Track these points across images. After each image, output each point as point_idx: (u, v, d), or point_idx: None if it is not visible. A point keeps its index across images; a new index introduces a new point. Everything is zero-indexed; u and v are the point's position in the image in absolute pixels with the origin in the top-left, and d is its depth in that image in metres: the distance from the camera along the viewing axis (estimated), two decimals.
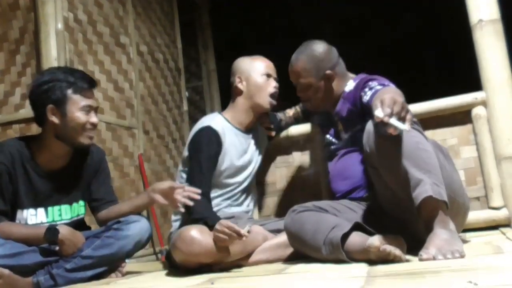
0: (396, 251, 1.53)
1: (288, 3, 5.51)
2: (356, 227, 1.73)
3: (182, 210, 2.05)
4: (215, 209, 2.22)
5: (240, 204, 2.35)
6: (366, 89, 1.95)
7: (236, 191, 2.32)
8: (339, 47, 2.17)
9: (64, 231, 1.95)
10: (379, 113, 1.51)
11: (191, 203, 2.01)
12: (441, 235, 1.55)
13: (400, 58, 5.01)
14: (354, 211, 1.98)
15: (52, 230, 1.93)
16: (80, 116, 2.02)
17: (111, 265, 2.05)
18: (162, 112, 3.81)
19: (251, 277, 1.69)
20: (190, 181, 2.14)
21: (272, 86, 2.32)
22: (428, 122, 2.32)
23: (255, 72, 2.32)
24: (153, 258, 3.23)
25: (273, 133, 2.49)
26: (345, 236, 1.69)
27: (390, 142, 1.64)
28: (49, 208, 2.08)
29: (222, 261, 1.93)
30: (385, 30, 5.05)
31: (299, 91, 2.18)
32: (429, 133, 2.26)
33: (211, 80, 4.92)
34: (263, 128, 2.46)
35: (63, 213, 2.11)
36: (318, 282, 1.38)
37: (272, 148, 2.67)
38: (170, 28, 4.16)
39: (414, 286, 1.14)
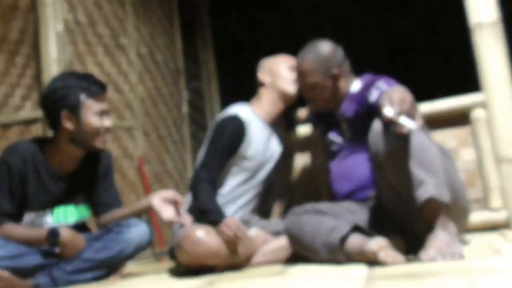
0: (394, 259, 1.53)
1: (288, 3, 5.51)
2: (356, 228, 1.73)
3: (170, 220, 2.02)
4: (229, 196, 2.19)
5: (250, 202, 2.28)
6: (373, 89, 1.96)
7: (253, 183, 2.25)
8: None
9: (66, 234, 1.95)
10: (388, 111, 1.52)
11: (186, 222, 2.00)
12: (441, 236, 1.55)
13: (400, 59, 5.02)
14: (354, 213, 1.98)
15: (53, 233, 1.93)
16: (94, 121, 2.03)
17: (111, 267, 2.05)
18: (162, 113, 3.81)
19: (251, 278, 1.69)
20: (202, 161, 2.11)
21: (294, 79, 2.25)
22: (428, 123, 2.32)
23: (281, 66, 2.27)
24: (152, 259, 3.23)
25: (293, 139, 2.49)
26: (344, 238, 1.70)
27: (396, 142, 1.65)
28: (56, 209, 2.08)
29: (228, 263, 1.93)
30: (385, 31, 5.06)
31: (304, 90, 2.18)
32: None
33: (211, 81, 4.92)
34: (284, 130, 2.44)
35: (69, 215, 2.12)
36: (318, 284, 1.38)
37: None
38: (170, 29, 4.16)
39: (414, 287, 1.14)
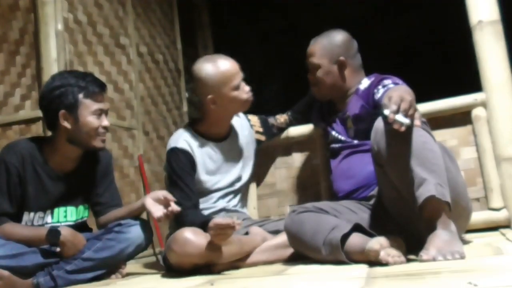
0: (395, 259, 1.53)
1: (287, 2, 5.51)
2: (356, 228, 1.73)
3: (161, 218, 2.02)
4: (209, 202, 2.24)
5: (235, 206, 2.34)
6: (380, 87, 1.98)
7: (227, 196, 2.30)
8: None
9: (66, 233, 1.95)
10: (386, 110, 1.54)
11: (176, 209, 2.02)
12: (441, 236, 1.55)
13: (400, 59, 5.01)
14: (355, 212, 1.98)
15: (54, 232, 1.93)
16: (92, 120, 2.02)
17: (111, 267, 2.05)
18: (162, 113, 3.81)
19: (251, 278, 1.69)
20: (176, 200, 2.08)
21: (245, 92, 2.22)
22: (428, 123, 2.31)
23: (226, 87, 2.17)
24: (153, 259, 3.23)
25: (263, 138, 2.49)
26: (345, 237, 1.69)
27: (397, 140, 1.65)
28: (55, 210, 2.08)
29: (217, 261, 1.92)
30: (385, 30, 5.05)
31: (309, 72, 2.20)
32: None
33: None
34: (253, 131, 2.45)
35: (69, 215, 2.12)
36: (318, 283, 1.38)
37: (271, 149, 2.67)
38: (170, 29, 4.16)
39: (414, 287, 1.14)
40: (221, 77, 2.17)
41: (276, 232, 2.12)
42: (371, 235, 1.65)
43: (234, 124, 2.39)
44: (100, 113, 2.05)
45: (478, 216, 2.26)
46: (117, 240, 2.02)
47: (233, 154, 2.34)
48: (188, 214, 2.07)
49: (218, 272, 1.90)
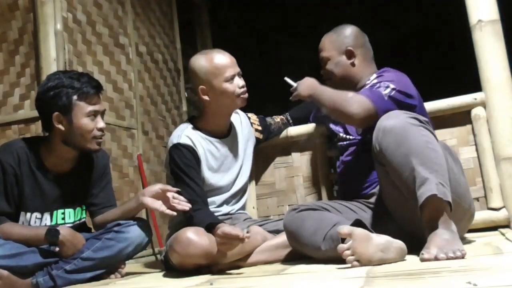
0: (349, 258, 1.54)
1: (287, 3, 5.51)
2: (358, 224, 1.72)
3: (170, 212, 2.01)
4: (211, 206, 2.22)
5: (236, 203, 2.34)
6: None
7: (227, 192, 2.30)
8: None
9: (65, 233, 1.95)
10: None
11: (186, 208, 2.01)
12: (442, 235, 1.55)
13: (399, 59, 5.01)
14: (355, 211, 1.98)
15: (52, 231, 1.93)
16: (86, 123, 1.99)
17: (111, 267, 2.05)
18: (161, 112, 3.80)
19: (250, 277, 1.69)
20: (186, 199, 2.08)
21: (238, 86, 2.20)
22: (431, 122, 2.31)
23: (218, 79, 2.16)
24: (152, 258, 3.23)
25: (262, 136, 2.49)
26: None
27: (399, 140, 1.65)
28: (54, 212, 2.07)
29: (219, 262, 1.92)
30: (384, 30, 5.05)
31: (322, 67, 2.24)
32: None
33: None
34: (253, 129, 2.45)
35: (67, 217, 2.11)
36: (317, 283, 1.38)
37: (271, 148, 2.67)
38: (169, 28, 4.16)
39: (414, 286, 1.14)
40: (212, 68, 2.18)
41: (276, 232, 2.12)
42: (371, 232, 1.65)
43: (235, 122, 2.39)
44: (95, 115, 2.02)
45: (477, 216, 2.25)
46: (116, 239, 2.02)
47: (234, 151, 2.34)
48: (198, 212, 2.03)
49: (218, 271, 1.90)
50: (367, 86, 2.03)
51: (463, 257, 1.47)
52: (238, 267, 1.97)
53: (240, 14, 5.48)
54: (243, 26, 5.54)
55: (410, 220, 1.76)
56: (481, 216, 2.27)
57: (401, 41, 5.21)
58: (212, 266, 1.92)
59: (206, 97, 2.20)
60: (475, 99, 2.34)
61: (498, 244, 1.76)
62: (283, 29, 5.51)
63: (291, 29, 5.46)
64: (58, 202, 2.08)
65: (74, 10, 2.93)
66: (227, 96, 2.19)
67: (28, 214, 2.02)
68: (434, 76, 4.91)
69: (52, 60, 2.68)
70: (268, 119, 2.53)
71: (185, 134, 2.20)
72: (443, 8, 4.62)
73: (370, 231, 1.67)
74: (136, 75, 3.47)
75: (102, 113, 2.06)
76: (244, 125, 2.42)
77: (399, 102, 1.92)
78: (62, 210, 2.09)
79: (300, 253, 1.92)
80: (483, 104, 2.33)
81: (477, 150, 2.34)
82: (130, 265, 2.52)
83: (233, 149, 2.34)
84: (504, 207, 2.27)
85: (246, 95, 2.23)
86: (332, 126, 2.29)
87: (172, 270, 2.05)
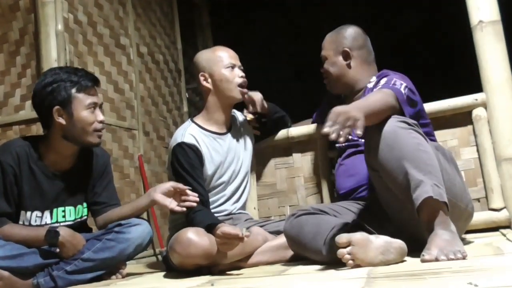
0: (350, 262, 1.53)
1: (287, 3, 5.51)
2: (358, 226, 1.72)
3: (179, 209, 2.02)
4: (213, 205, 2.22)
5: (237, 201, 2.34)
6: (375, 88, 1.99)
7: (229, 188, 2.31)
8: None
9: (65, 233, 1.95)
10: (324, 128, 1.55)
11: (194, 204, 2.01)
12: (442, 236, 1.54)
13: (400, 59, 5.01)
14: (354, 213, 1.98)
15: (52, 232, 1.93)
16: (87, 115, 2.01)
17: (111, 267, 2.04)
18: (162, 113, 3.81)
19: (251, 278, 1.69)
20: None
21: (238, 76, 2.27)
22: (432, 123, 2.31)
23: (218, 65, 2.27)
24: (153, 259, 3.23)
25: (259, 133, 2.50)
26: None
27: (390, 144, 1.64)
28: (54, 210, 2.07)
29: (220, 262, 1.92)
30: (385, 31, 5.05)
31: (322, 66, 2.24)
32: None
33: None
34: (250, 127, 2.47)
35: (67, 215, 2.11)
36: (318, 284, 1.38)
37: (272, 149, 2.67)
38: (170, 29, 4.16)
39: (415, 287, 1.14)
40: (213, 56, 2.29)
41: (277, 233, 2.12)
42: (371, 233, 1.65)
43: (234, 121, 2.40)
44: (94, 107, 2.03)
45: (478, 217, 2.26)
46: (117, 240, 2.02)
47: (235, 147, 2.35)
48: (198, 213, 2.04)
49: (219, 272, 1.90)
50: (379, 86, 1.99)
51: (464, 258, 1.46)
52: (239, 268, 1.97)
53: (241, 14, 5.48)
54: (244, 26, 5.54)
55: (408, 222, 1.76)
56: (482, 216, 2.27)
57: (401, 42, 5.21)
58: (213, 266, 1.93)
59: (206, 83, 2.27)
60: (476, 99, 2.34)
61: (499, 245, 1.76)
62: (284, 29, 5.51)
63: (292, 29, 5.46)
64: (58, 200, 2.08)
65: (75, 11, 2.93)
66: (226, 82, 2.24)
67: (29, 213, 2.02)
68: (435, 77, 4.91)
69: (53, 61, 2.68)
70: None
71: (188, 132, 2.22)
72: (444, 9, 4.62)
73: (370, 231, 1.67)
74: (137, 76, 3.48)
75: (101, 106, 2.08)
76: (242, 123, 2.44)
77: (410, 100, 1.91)
78: (62, 208, 2.09)
79: (302, 256, 1.92)
80: (484, 105, 2.33)
81: (478, 150, 2.34)
82: (131, 266, 2.52)
83: (234, 145, 2.35)
84: (505, 207, 2.27)
85: (246, 90, 2.29)
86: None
87: (173, 270, 2.05)
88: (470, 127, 2.37)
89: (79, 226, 2.13)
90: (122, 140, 3.20)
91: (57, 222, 2.07)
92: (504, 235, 2.06)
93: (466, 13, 2.40)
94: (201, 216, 2.03)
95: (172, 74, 4.09)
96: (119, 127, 3.18)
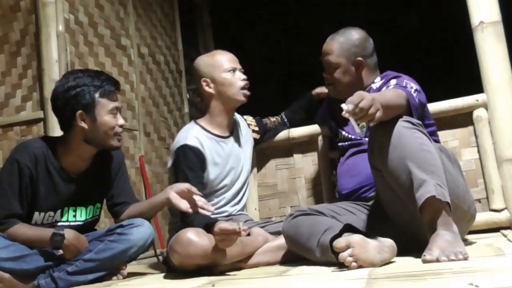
0: (353, 264, 1.52)
1: (288, 4, 5.51)
2: (351, 229, 1.71)
3: (191, 211, 2.02)
4: (214, 207, 2.21)
5: (237, 203, 2.35)
6: (384, 88, 1.99)
7: (230, 191, 2.32)
8: None
9: (70, 237, 1.94)
10: (344, 106, 1.54)
11: (208, 213, 1.99)
12: (444, 236, 1.54)
13: (401, 60, 5.01)
14: (354, 213, 1.97)
15: (58, 235, 1.91)
16: (109, 120, 2.01)
17: (113, 268, 2.04)
18: (163, 114, 3.81)
19: (252, 279, 1.69)
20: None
21: (240, 79, 2.27)
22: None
23: (218, 70, 2.27)
24: (154, 260, 3.23)
25: (258, 137, 2.50)
26: (337, 237, 1.67)
27: (394, 143, 1.64)
28: (65, 209, 2.07)
29: (219, 262, 1.92)
30: (386, 31, 5.05)
31: (326, 71, 2.19)
32: None
33: None
34: (250, 130, 2.47)
35: (78, 215, 2.11)
36: (319, 284, 1.38)
37: (273, 149, 2.67)
38: (171, 30, 4.17)
39: None
40: (213, 61, 2.30)
41: (277, 233, 2.12)
42: (366, 236, 1.64)
43: (235, 124, 2.40)
44: (116, 111, 2.04)
45: (479, 217, 2.25)
46: (119, 241, 2.01)
47: (237, 150, 2.36)
48: (195, 216, 2.03)
49: (220, 273, 1.90)
50: (390, 86, 1.98)
51: (465, 260, 1.46)
52: (240, 269, 1.97)
53: (242, 15, 5.49)
54: (245, 27, 5.54)
55: (410, 223, 1.76)
56: (482, 217, 2.27)
57: (402, 42, 5.21)
58: (213, 267, 1.92)
59: (208, 89, 2.27)
60: (477, 100, 2.34)
61: (500, 245, 1.76)
62: (284, 30, 5.51)
63: (292, 30, 5.46)
64: (72, 201, 2.08)
65: (76, 12, 2.93)
66: (228, 86, 2.25)
67: (42, 214, 2.02)
68: (436, 78, 4.91)
69: (54, 61, 2.68)
70: (265, 120, 2.57)
71: (192, 134, 2.22)
72: (444, 9, 4.62)
73: (363, 233, 1.66)
74: (138, 77, 3.48)
75: (120, 110, 2.09)
76: (242, 126, 2.45)
77: (421, 103, 1.91)
78: (73, 208, 2.09)
79: (300, 256, 1.92)
80: (485, 106, 2.33)
81: (478, 151, 2.34)
82: (132, 266, 2.52)
83: (236, 148, 2.36)
84: (505, 208, 2.27)
85: (248, 92, 2.28)
86: (336, 126, 2.28)
87: (173, 271, 2.05)
88: (471, 127, 2.37)
89: (87, 226, 2.13)
90: (123, 141, 3.19)
91: (67, 221, 2.07)
92: (505, 235, 2.06)
93: (466, 14, 2.40)
94: (198, 218, 2.03)
95: (173, 75, 4.09)
96: None
